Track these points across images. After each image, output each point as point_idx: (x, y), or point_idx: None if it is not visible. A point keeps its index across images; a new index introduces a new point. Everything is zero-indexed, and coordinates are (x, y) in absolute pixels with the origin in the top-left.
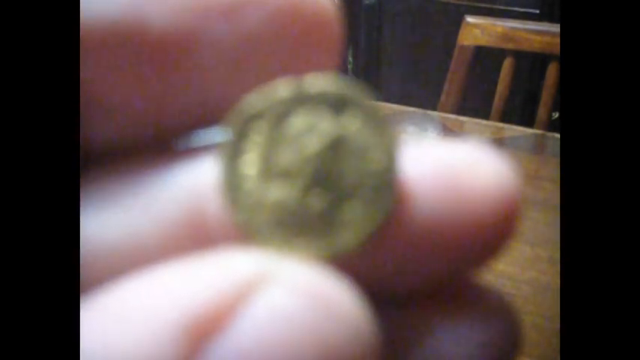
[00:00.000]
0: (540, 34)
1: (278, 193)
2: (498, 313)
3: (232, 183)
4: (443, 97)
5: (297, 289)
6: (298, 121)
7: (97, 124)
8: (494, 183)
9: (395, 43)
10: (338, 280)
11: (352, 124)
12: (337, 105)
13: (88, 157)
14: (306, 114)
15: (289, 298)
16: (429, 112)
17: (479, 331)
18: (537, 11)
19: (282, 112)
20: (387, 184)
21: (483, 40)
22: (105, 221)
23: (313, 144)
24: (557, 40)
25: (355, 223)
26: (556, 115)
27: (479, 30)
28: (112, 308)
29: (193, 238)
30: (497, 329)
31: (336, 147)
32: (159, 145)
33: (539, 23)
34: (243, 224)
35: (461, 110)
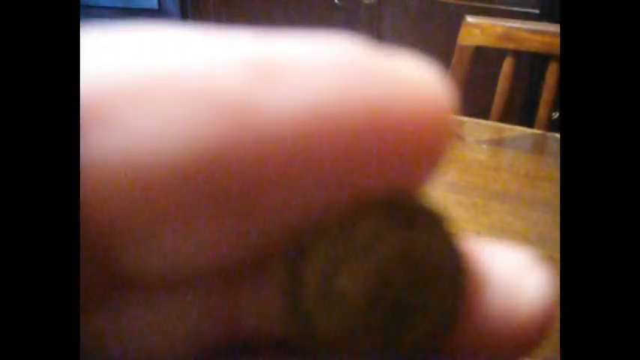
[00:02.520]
0: (540, 34)
1: (347, 299)
2: None
3: (295, 293)
4: None
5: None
6: (365, 232)
7: (140, 259)
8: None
9: (395, 43)
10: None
11: (421, 237)
12: (407, 218)
13: (130, 283)
14: (374, 224)
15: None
16: None
17: None
18: (537, 11)
19: (350, 223)
20: (453, 294)
21: (483, 40)
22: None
23: (379, 255)
24: (557, 40)
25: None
26: (556, 115)
27: (479, 30)
28: None
29: None
30: None
31: (402, 259)
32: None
33: (539, 23)
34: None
35: (461, 110)
